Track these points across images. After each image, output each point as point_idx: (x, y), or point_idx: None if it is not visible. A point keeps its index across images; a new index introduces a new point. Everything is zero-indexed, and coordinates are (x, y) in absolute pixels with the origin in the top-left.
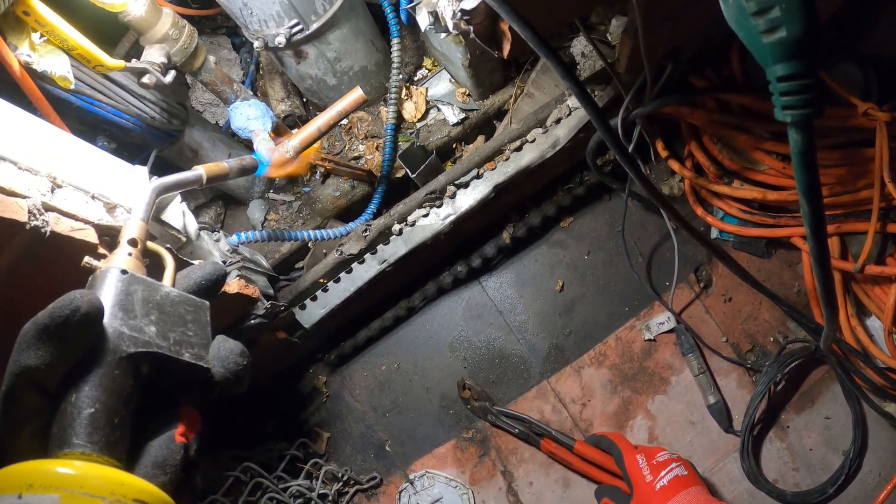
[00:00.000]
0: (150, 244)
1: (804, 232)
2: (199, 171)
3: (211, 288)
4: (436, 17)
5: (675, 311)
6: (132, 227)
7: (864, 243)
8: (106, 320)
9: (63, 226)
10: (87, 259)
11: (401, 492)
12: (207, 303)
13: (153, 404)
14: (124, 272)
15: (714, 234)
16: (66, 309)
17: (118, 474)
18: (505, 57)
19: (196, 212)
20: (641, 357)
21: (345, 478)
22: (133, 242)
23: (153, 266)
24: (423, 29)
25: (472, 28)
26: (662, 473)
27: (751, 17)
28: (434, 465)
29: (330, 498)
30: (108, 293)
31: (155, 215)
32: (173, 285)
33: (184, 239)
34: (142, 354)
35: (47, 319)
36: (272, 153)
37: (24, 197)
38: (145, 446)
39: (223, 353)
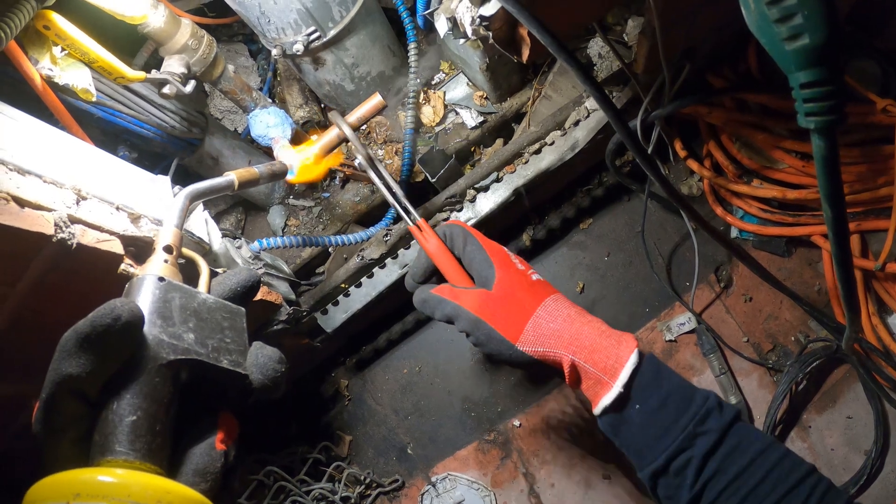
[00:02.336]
0: (185, 250)
1: (825, 230)
2: (231, 176)
3: (246, 294)
4: (454, 23)
5: (696, 311)
6: (166, 233)
7: (884, 241)
8: (145, 328)
9: (89, 238)
10: (123, 266)
11: (423, 494)
12: (243, 309)
13: (191, 410)
14: (161, 279)
15: (734, 233)
16: (108, 317)
17: (164, 482)
18: (524, 62)
19: (216, 218)
20: (663, 358)
21: (367, 480)
22: (168, 249)
23: (185, 273)
24: (441, 35)
25: (491, 34)
26: (532, 270)
27: (773, 24)
28: (456, 467)
29: (352, 501)
30: (145, 300)
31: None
32: (209, 292)
33: (207, 248)
34: (181, 361)
35: (88, 328)
36: (293, 160)
37: (49, 210)
38: (186, 453)
39: (261, 360)
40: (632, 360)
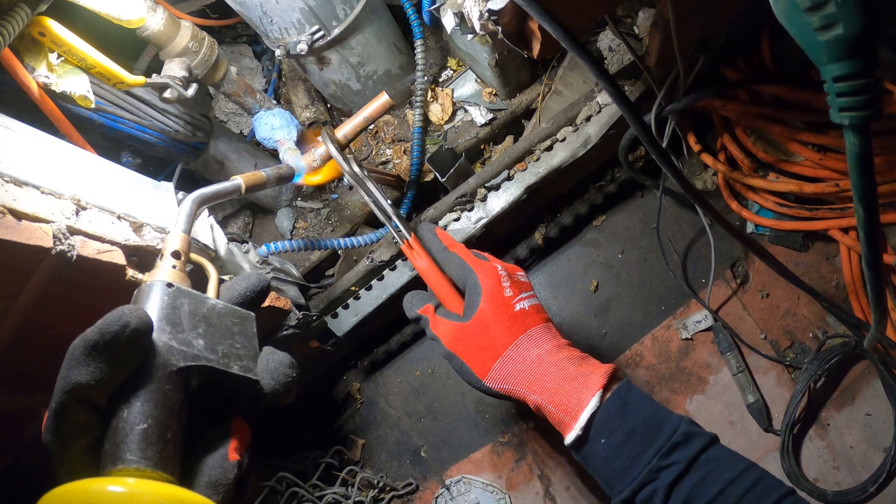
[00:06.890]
0: (193, 256)
1: (842, 224)
2: (238, 180)
3: (256, 299)
4: (462, 18)
5: (712, 308)
6: (174, 238)
7: None
8: (154, 334)
9: (89, 249)
10: (131, 273)
11: (437, 497)
12: (253, 314)
13: (202, 417)
14: (170, 285)
15: (750, 228)
16: (116, 325)
17: (178, 491)
18: (535, 57)
19: (224, 222)
20: (679, 357)
21: (380, 484)
22: (176, 255)
23: (193, 279)
24: (448, 31)
25: (500, 28)
26: (524, 295)
27: (804, 12)
28: (470, 470)
29: None
30: (154, 307)
31: None
32: (217, 297)
33: (213, 254)
34: (191, 368)
35: (97, 336)
36: (300, 163)
37: (48, 222)
38: (198, 464)
39: (272, 365)
40: (592, 404)
